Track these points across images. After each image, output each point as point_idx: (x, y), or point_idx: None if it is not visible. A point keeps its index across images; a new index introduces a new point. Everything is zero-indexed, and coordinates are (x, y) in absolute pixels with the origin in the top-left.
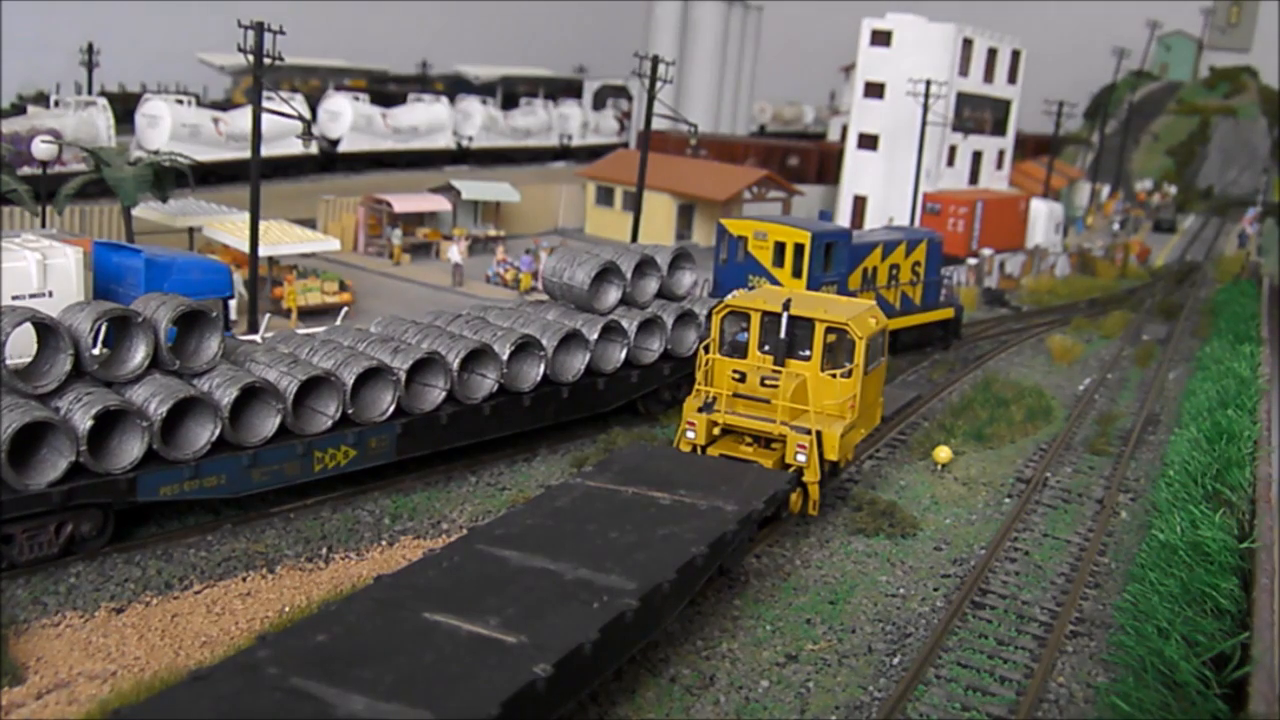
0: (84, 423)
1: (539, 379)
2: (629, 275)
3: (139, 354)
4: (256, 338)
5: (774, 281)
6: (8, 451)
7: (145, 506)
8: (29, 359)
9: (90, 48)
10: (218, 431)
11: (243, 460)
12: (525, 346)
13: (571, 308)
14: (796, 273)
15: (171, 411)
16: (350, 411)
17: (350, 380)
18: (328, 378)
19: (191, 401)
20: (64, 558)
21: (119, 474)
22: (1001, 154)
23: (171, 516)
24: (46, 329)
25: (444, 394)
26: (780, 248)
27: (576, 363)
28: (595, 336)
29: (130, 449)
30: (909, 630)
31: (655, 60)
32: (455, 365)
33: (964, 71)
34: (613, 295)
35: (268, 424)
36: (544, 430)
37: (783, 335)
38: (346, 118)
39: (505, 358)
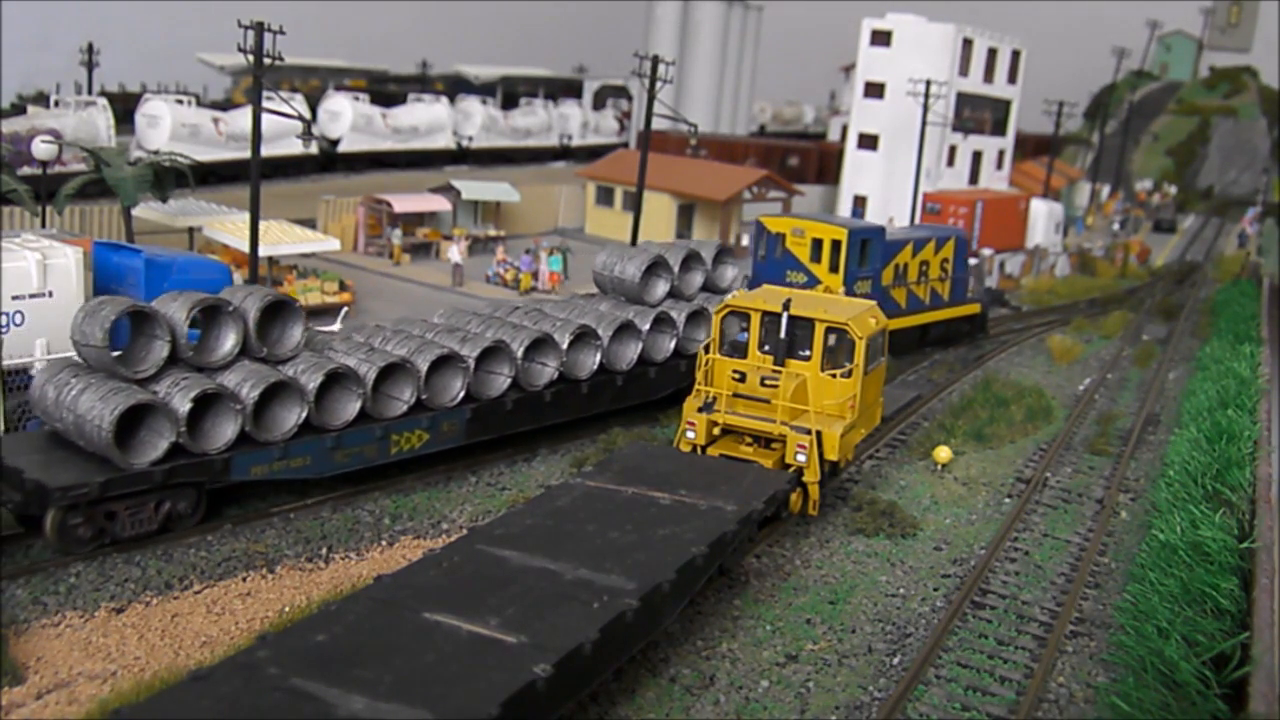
0: (183, 405)
1: (595, 367)
2: (676, 269)
3: (229, 341)
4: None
5: (811, 277)
6: (114, 432)
7: (233, 486)
8: (28, 359)
9: (90, 48)
10: (304, 415)
11: (326, 442)
12: (583, 336)
13: (622, 300)
14: (833, 268)
15: (261, 395)
16: (424, 397)
17: (424, 367)
18: (404, 364)
19: (280, 386)
20: (161, 534)
21: (215, 454)
22: (1001, 154)
23: (256, 497)
24: (144, 317)
25: (509, 381)
26: (817, 244)
27: (630, 352)
28: (647, 327)
29: (224, 431)
30: (909, 630)
31: (655, 60)
32: (520, 353)
33: (964, 71)
34: (661, 288)
35: (349, 408)
36: (556, 427)
37: (783, 335)
38: (346, 118)
39: (565, 346)
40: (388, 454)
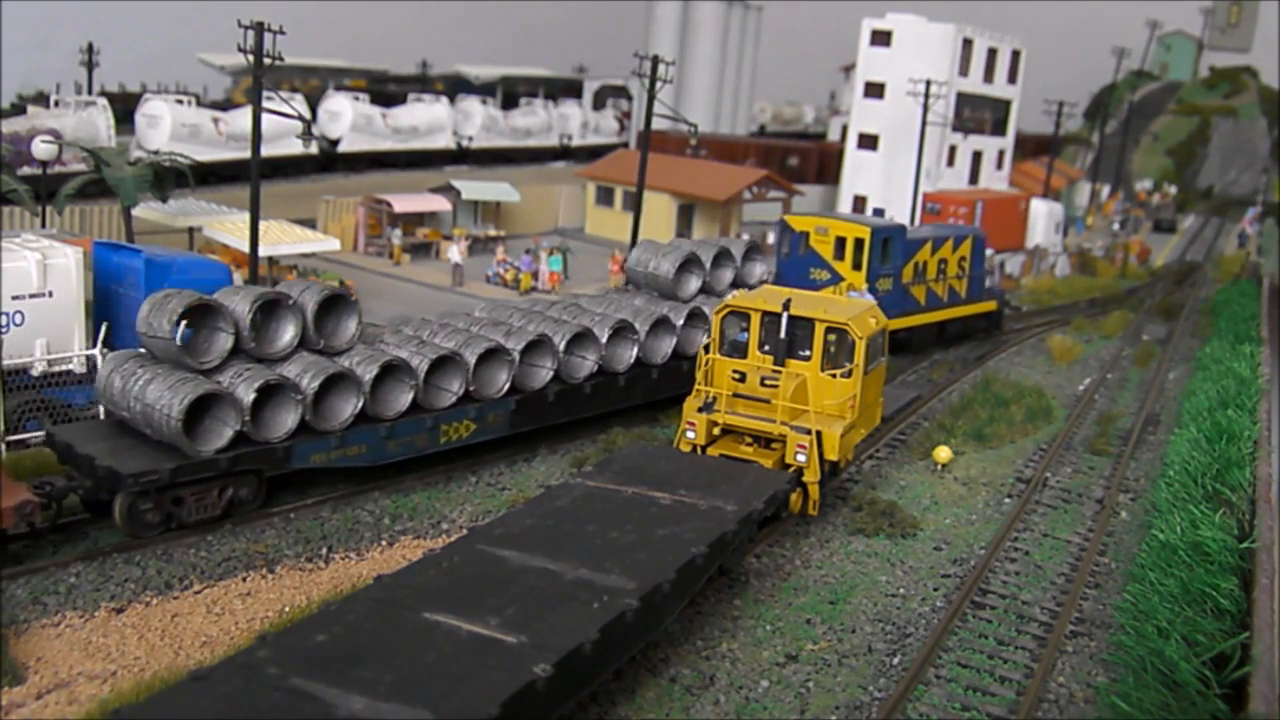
0: (248, 395)
1: (632, 361)
2: (708, 266)
3: (288, 333)
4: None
5: (834, 274)
6: (183, 421)
7: (286, 475)
8: (28, 359)
9: (90, 48)
10: (360, 405)
11: (381, 431)
12: (621, 330)
13: (655, 295)
14: (856, 265)
15: (319, 386)
16: (472, 389)
17: (473, 359)
18: (453, 357)
19: (338, 377)
20: (222, 520)
21: (276, 442)
22: (1001, 154)
23: (311, 484)
24: (209, 309)
25: (552, 373)
26: (841, 242)
27: (664, 346)
28: (681, 322)
29: (285, 420)
30: (909, 630)
31: (655, 60)
32: (561, 347)
33: (964, 71)
34: (694, 284)
35: (402, 399)
36: (555, 428)
37: (783, 335)
38: (346, 118)
39: (604, 340)
40: (437, 443)
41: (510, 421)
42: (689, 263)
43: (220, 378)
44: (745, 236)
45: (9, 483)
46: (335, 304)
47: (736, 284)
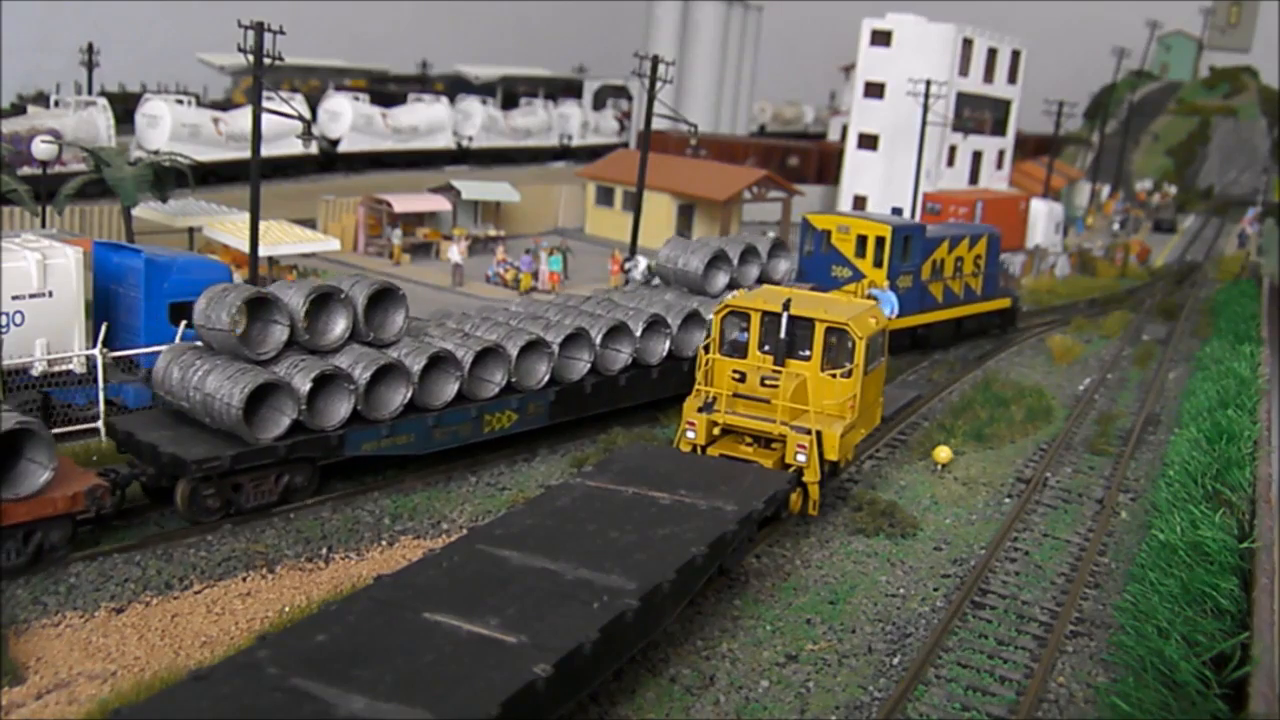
0: (304, 385)
1: (665, 354)
2: (735, 262)
3: (339, 326)
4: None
5: (856, 271)
6: (243, 409)
7: (336, 463)
8: (28, 359)
9: (90, 48)
10: (409, 395)
11: (428, 421)
12: (654, 324)
13: (685, 291)
14: (878, 263)
15: (370, 377)
16: (514, 380)
17: (515, 352)
18: (497, 349)
19: (388, 368)
20: (280, 505)
21: (331, 431)
22: (1001, 154)
23: (360, 472)
24: (265, 302)
25: (589, 366)
26: (862, 240)
27: (695, 339)
28: (710, 316)
29: (338, 409)
30: (909, 630)
31: (655, 60)
32: (598, 340)
33: (964, 71)
34: (722, 279)
35: (448, 389)
36: (551, 429)
37: (783, 335)
38: (346, 118)
39: (639, 334)
40: (480, 433)
41: (550, 412)
42: (717, 259)
43: (276, 368)
44: (772, 234)
45: (77, 469)
46: (384, 297)
47: (762, 279)
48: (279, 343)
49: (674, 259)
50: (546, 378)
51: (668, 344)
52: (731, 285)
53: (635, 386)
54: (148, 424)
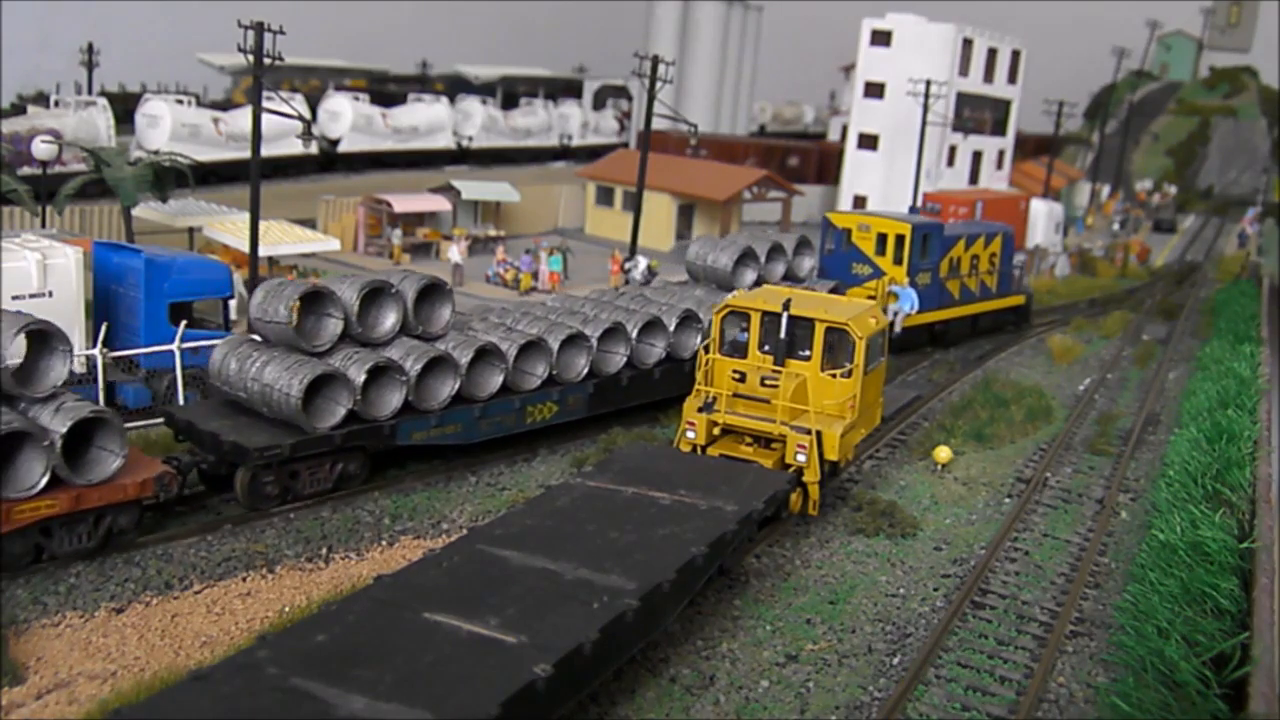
0: (359, 376)
1: (697, 348)
2: (763, 259)
3: (390, 319)
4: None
5: (875, 269)
6: (302, 399)
7: (394, 450)
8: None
9: (90, 48)
10: (457, 386)
11: (474, 412)
12: (687, 319)
13: (714, 288)
14: (897, 260)
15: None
16: (555, 373)
17: (556, 345)
18: (539, 342)
19: (438, 360)
20: (335, 492)
21: (384, 421)
22: (1001, 154)
23: (410, 460)
24: (319, 296)
25: (625, 359)
26: (882, 238)
27: None
28: None
29: (391, 400)
30: (909, 630)
31: (655, 60)
32: (634, 334)
33: (964, 71)
34: (749, 276)
35: (493, 381)
36: (551, 430)
37: (783, 335)
38: (346, 118)
39: (672, 329)
40: (523, 423)
41: (588, 405)
42: (745, 256)
43: (331, 360)
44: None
45: (144, 457)
46: (431, 292)
47: (788, 276)
48: (333, 335)
49: (703, 256)
50: (585, 370)
51: (700, 338)
52: (759, 281)
53: (668, 379)
54: (206, 414)
